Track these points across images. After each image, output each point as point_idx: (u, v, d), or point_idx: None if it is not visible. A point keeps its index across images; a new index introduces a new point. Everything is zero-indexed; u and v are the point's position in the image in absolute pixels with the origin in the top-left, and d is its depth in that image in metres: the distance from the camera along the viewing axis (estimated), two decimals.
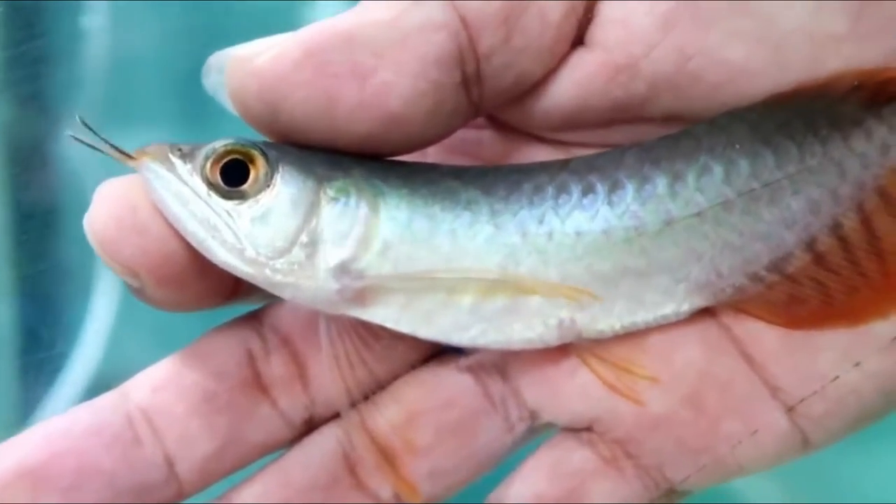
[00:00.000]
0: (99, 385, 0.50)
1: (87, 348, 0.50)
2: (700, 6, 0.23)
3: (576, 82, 0.23)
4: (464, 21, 0.23)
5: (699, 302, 0.24)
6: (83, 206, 0.23)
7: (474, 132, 0.25)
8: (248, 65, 0.22)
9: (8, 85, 0.52)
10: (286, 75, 0.22)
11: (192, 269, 0.23)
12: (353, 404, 0.24)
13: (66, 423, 0.23)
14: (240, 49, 0.23)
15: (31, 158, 0.53)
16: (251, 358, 0.25)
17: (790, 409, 0.23)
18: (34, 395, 0.50)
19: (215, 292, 0.24)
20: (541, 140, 0.25)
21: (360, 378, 0.24)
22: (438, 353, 0.25)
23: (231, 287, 0.24)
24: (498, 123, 0.25)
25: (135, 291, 0.23)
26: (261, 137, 0.24)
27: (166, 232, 0.23)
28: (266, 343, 0.25)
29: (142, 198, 0.23)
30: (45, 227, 0.53)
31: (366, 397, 0.24)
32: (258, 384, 0.24)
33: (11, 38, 0.51)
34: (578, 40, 0.23)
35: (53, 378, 0.50)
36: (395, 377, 0.25)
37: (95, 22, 0.52)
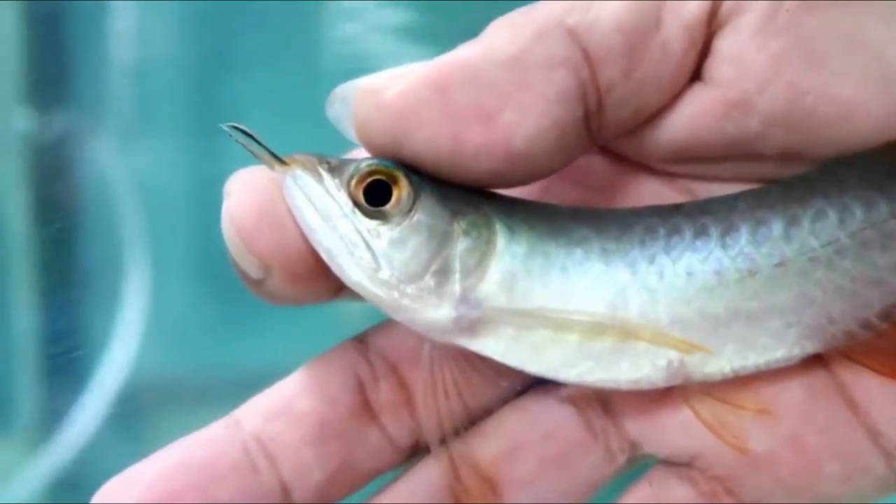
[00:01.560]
0: (127, 391, 0.49)
1: (115, 354, 0.50)
2: (811, 44, 0.23)
3: (690, 116, 0.24)
4: (586, 55, 0.23)
5: (810, 347, 0.24)
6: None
7: (583, 159, 0.26)
8: (375, 98, 0.23)
9: (31, 91, 0.52)
10: (412, 113, 0.23)
11: (317, 267, 0.24)
12: (455, 433, 0.25)
13: (179, 458, 0.23)
14: (367, 81, 0.24)
15: (56, 164, 0.52)
16: (360, 384, 0.25)
17: (889, 456, 0.24)
18: (61, 403, 0.49)
19: (328, 289, 0.25)
20: (649, 170, 0.26)
21: (459, 407, 0.25)
22: (537, 382, 0.26)
23: (338, 286, 0.25)
24: (608, 151, 0.26)
25: (251, 283, 0.24)
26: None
27: (299, 229, 0.23)
28: (374, 369, 0.25)
29: (278, 192, 0.23)
30: (70, 232, 0.52)
31: (465, 426, 0.25)
32: (367, 410, 0.25)
33: (34, 44, 0.51)
34: (696, 76, 0.24)
35: (81, 385, 0.49)
36: (493, 407, 0.25)
37: (119, 27, 0.51)
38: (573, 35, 0.23)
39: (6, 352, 0.50)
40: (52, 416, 0.49)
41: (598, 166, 0.26)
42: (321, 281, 0.24)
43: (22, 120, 0.50)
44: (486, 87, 0.23)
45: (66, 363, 0.50)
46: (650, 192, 0.26)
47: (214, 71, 0.52)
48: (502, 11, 0.25)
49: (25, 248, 0.49)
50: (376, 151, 0.24)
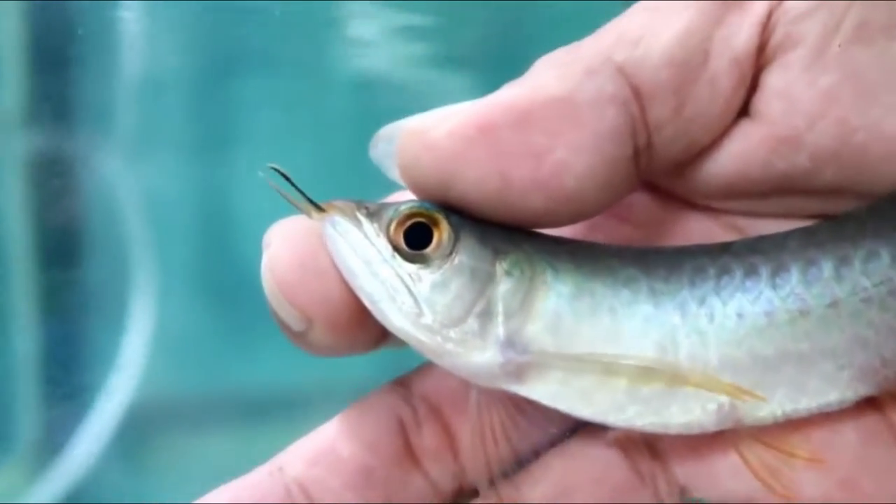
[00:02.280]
0: (131, 414, 0.48)
1: (119, 376, 0.49)
2: (862, 79, 0.23)
3: (738, 153, 0.24)
4: (636, 91, 0.23)
5: (863, 390, 0.24)
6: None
7: (630, 195, 0.26)
8: (422, 139, 0.23)
9: (35, 108, 0.51)
10: (460, 153, 0.23)
11: (359, 317, 0.24)
12: (503, 477, 0.25)
13: (227, 501, 0.23)
14: (413, 122, 0.24)
15: (60, 181, 0.51)
16: (403, 428, 0.25)
17: None
18: (64, 426, 0.48)
19: (371, 338, 0.25)
20: (697, 207, 0.26)
21: (507, 451, 0.25)
22: (584, 425, 0.25)
23: (381, 335, 0.25)
24: (654, 188, 0.26)
25: (293, 335, 0.24)
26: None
27: (343, 279, 0.23)
28: (416, 413, 0.25)
29: (319, 242, 0.24)
30: (73, 252, 0.52)
31: (513, 471, 0.25)
32: (410, 455, 0.25)
33: (39, 60, 0.50)
34: (743, 111, 0.24)
35: (84, 408, 0.49)
36: (541, 450, 0.25)
37: (125, 42, 0.50)
38: (622, 71, 0.23)
39: (8, 374, 0.49)
40: (55, 440, 0.48)
41: (644, 203, 0.26)
42: (364, 330, 0.24)
43: (26, 137, 0.49)
44: (535, 126, 0.23)
45: (69, 386, 0.49)
46: (697, 228, 0.26)
47: (221, 84, 0.52)
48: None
49: (29, 269, 0.49)
50: (422, 192, 0.24)
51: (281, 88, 0.51)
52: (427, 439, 0.25)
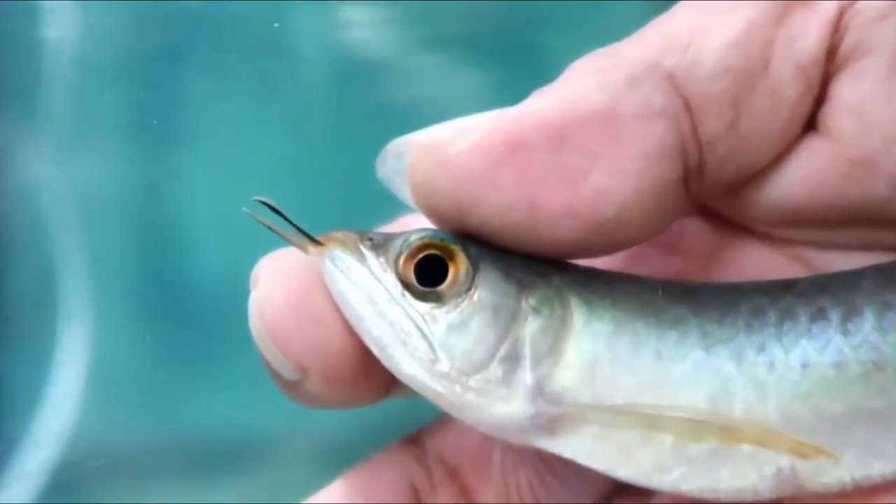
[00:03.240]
0: (63, 470, 0.49)
1: (47, 424, 0.50)
2: None
3: (804, 174, 0.26)
4: (686, 104, 0.25)
5: None
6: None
7: (679, 222, 0.27)
8: (439, 155, 0.24)
9: None
10: (483, 173, 0.24)
11: (362, 365, 0.25)
12: None
13: None
14: (427, 134, 0.25)
15: None
16: (415, 492, 0.27)
17: None
18: None
19: (375, 389, 0.26)
20: (756, 235, 0.27)
21: None
22: (625, 488, 0.27)
23: (388, 384, 0.26)
24: (706, 212, 0.27)
25: (285, 385, 0.25)
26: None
27: (342, 322, 0.25)
28: (431, 475, 0.27)
29: (316, 280, 0.25)
30: None
31: None
32: None
33: None
34: (810, 125, 0.26)
35: (4, 463, 0.49)
36: None
37: (53, 33, 0.51)
38: (671, 80, 0.25)
39: None
40: None
41: (695, 230, 0.28)
42: (367, 381, 0.25)
43: None
44: (571, 145, 0.24)
45: None
46: (756, 260, 0.27)
47: (170, 67, 0.52)
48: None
49: None
50: (437, 217, 0.25)
51: (243, 71, 0.52)
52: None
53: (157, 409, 0.53)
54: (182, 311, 0.50)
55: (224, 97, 0.52)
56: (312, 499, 0.26)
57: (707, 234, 0.27)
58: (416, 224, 0.26)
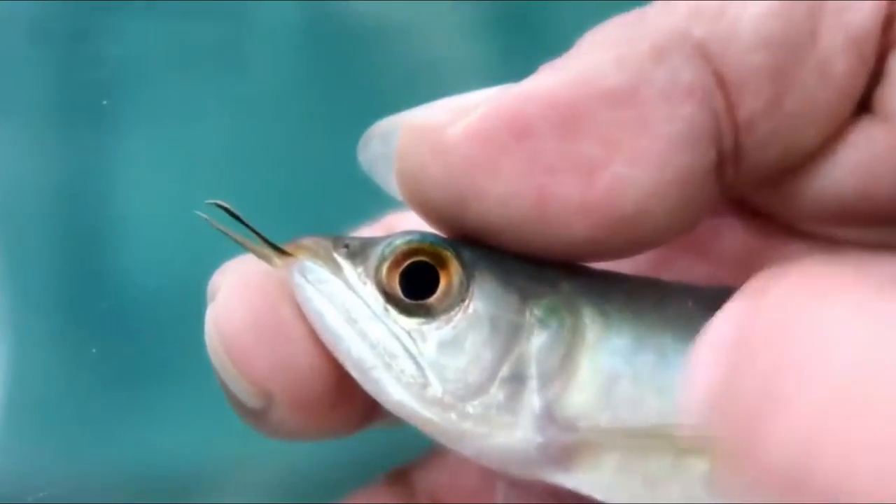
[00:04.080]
0: None
1: None
2: None
3: (858, 162, 0.26)
4: (720, 79, 0.25)
5: None
6: None
7: (709, 220, 0.28)
8: (433, 138, 0.25)
9: None
10: (484, 162, 0.24)
11: (337, 390, 0.26)
12: None
13: None
14: (419, 115, 0.25)
15: None
16: None
17: None
18: None
19: (352, 419, 0.27)
20: (801, 234, 0.28)
21: None
22: None
23: (368, 412, 0.27)
24: (741, 209, 0.28)
25: (247, 414, 0.26)
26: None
27: (313, 342, 0.25)
28: None
29: (282, 292, 0.25)
30: None
31: None
32: None
33: None
34: (863, 106, 0.26)
35: None
36: None
37: None
38: (702, 53, 0.25)
39: None
40: None
41: (728, 230, 0.28)
42: (342, 408, 0.26)
43: None
44: (586, 129, 0.24)
45: None
46: None
47: (99, 29, 0.53)
48: None
49: None
50: (429, 213, 0.26)
51: (189, 37, 0.53)
52: None
53: (90, 440, 0.54)
54: (120, 324, 0.51)
55: (175, 68, 0.52)
56: None
57: (743, 235, 0.28)
58: (403, 225, 0.27)
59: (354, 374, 0.25)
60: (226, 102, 0.50)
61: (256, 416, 0.26)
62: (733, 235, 0.28)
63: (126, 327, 0.49)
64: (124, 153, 0.53)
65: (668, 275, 0.28)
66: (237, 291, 0.25)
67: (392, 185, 0.25)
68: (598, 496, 0.26)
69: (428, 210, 0.25)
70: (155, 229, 0.49)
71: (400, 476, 0.28)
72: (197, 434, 0.50)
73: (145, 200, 0.50)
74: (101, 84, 0.53)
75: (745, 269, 0.28)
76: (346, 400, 0.26)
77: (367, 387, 0.25)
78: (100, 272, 0.52)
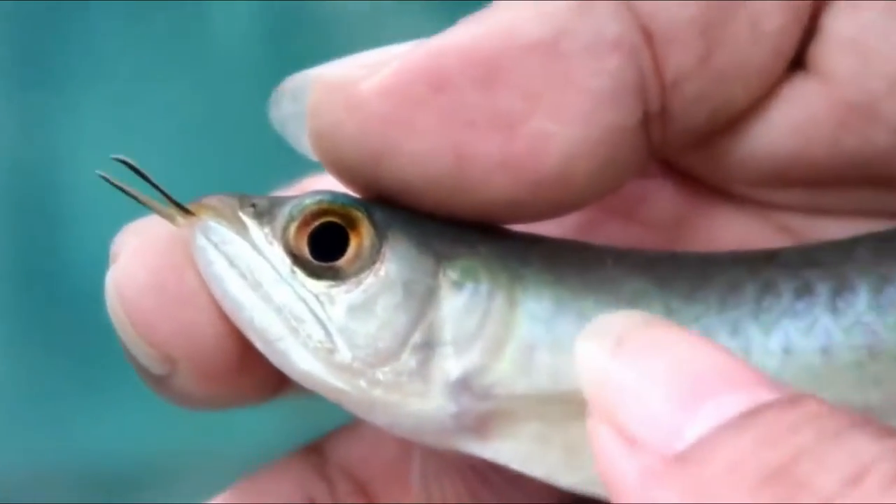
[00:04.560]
0: None
1: None
2: None
3: (792, 122, 0.26)
4: (647, 34, 0.25)
5: None
6: None
7: (636, 182, 0.27)
8: (346, 94, 0.24)
9: None
10: (399, 117, 0.24)
11: (243, 356, 0.25)
12: None
13: None
14: (332, 69, 0.25)
15: None
16: None
17: None
18: None
19: (262, 386, 0.26)
20: (733, 198, 0.27)
21: None
22: (572, 502, 0.27)
23: (279, 381, 0.26)
24: (673, 171, 0.28)
25: (152, 381, 0.25)
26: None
27: (218, 308, 0.25)
28: (335, 490, 0.27)
29: (186, 254, 0.25)
30: None
31: None
32: None
33: None
34: (798, 63, 0.26)
35: None
36: None
37: None
38: (629, 6, 0.25)
39: None
40: None
41: (659, 193, 0.28)
42: (250, 375, 0.25)
43: None
44: (506, 84, 0.24)
45: None
46: (733, 229, 0.28)
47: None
48: None
49: None
50: (344, 172, 0.25)
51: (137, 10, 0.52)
52: None
53: (43, 433, 0.53)
54: (73, 312, 0.50)
55: (118, 35, 0.52)
56: None
57: (674, 198, 0.28)
58: (322, 187, 0.26)
59: (258, 344, 0.24)
60: (174, 76, 0.50)
61: (161, 383, 0.25)
62: (663, 198, 0.28)
63: (87, 320, 0.49)
64: (78, 130, 0.52)
65: (595, 239, 0.27)
66: (139, 253, 0.25)
67: (305, 143, 0.25)
68: (515, 466, 0.25)
69: (342, 169, 0.25)
70: (111, 214, 0.49)
71: (315, 448, 0.27)
72: (149, 423, 0.49)
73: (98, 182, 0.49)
74: (57, 53, 0.52)
75: (675, 233, 0.28)
76: (254, 368, 0.25)
77: (273, 358, 0.24)
78: (54, 260, 0.51)
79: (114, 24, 0.52)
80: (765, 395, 0.19)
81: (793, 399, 0.19)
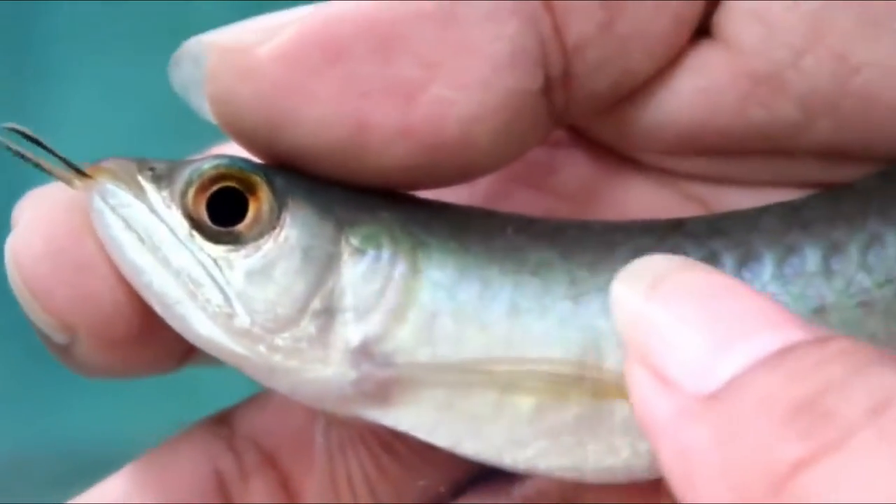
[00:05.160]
0: None
1: None
2: (863, 2, 0.25)
3: (697, 90, 0.26)
4: (546, 1, 0.24)
5: None
6: None
7: (546, 151, 0.27)
8: (242, 59, 0.24)
9: None
10: (296, 84, 0.24)
11: (145, 324, 0.25)
12: None
13: None
14: (229, 34, 0.24)
15: None
16: (220, 483, 0.27)
17: None
18: None
19: (167, 355, 0.26)
20: (641, 166, 0.27)
21: None
22: (481, 475, 0.27)
23: (184, 350, 0.26)
24: (582, 139, 0.28)
25: (57, 351, 0.25)
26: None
27: (117, 272, 0.24)
28: (242, 461, 0.27)
29: (85, 221, 0.25)
30: None
31: None
32: None
33: None
34: (703, 30, 0.26)
35: None
36: None
37: None
38: None
39: None
40: None
41: (568, 162, 0.28)
42: (152, 343, 0.25)
43: None
44: (403, 51, 0.24)
45: None
46: (642, 198, 0.28)
47: None
48: None
49: None
50: (243, 138, 0.25)
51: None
52: (256, 497, 0.26)
53: (11, 417, 0.54)
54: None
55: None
56: (96, 490, 0.26)
57: (584, 167, 0.28)
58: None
59: (157, 308, 0.24)
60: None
61: (63, 353, 0.25)
62: (573, 168, 0.28)
63: None
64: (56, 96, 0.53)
65: (506, 209, 0.27)
66: (38, 220, 0.24)
67: (206, 109, 0.25)
68: (419, 435, 0.25)
69: (240, 135, 0.25)
70: None
71: (222, 418, 0.27)
72: (122, 408, 0.50)
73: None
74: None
75: (586, 202, 0.28)
76: (156, 336, 0.25)
77: (172, 322, 0.24)
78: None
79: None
80: (797, 335, 0.19)
81: (823, 338, 0.19)
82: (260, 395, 0.27)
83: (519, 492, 0.27)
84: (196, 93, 0.25)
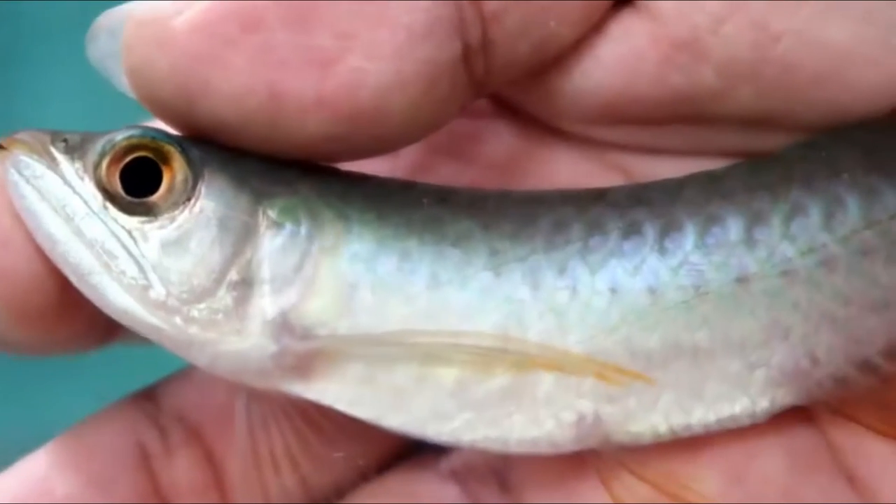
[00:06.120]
0: None
1: None
2: None
3: (617, 58, 0.26)
4: None
5: (784, 398, 0.26)
6: None
7: (470, 122, 0.27)
8: (159, 31, 0.24)
9: None
10: (211, 55, 0.24)
11: (62, 300, 0.25)
12: None
13: None
14: (145, 6, 0.24)
15: None
16: (145, 458, 0.27)
17: None
18: None
19: (89, 331, 0.26)
20: (565, 136, 0.27)
21: (295, 486, 0.26)
22: (411, 450, 0.27)
23: (107, 326, 0.26)
24: (507, 109, 0.27)
25: None
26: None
27: (34, 246, 0.24)
28: (166, 436, 0.27)
29: (3, 196, 0.24)
30: None
31: None
32: (156, 495, 0.26)
33: None
34: None
35: None
36: (346, 485, 0.27)
37: None
38: None
39: None
40: None
41: (492, 133, 0.28)
42: (73, 319, 0.25)
43: None
44: (318, 23, 0.24)
45: None
46: (566, 168, 0.28)
47: None
48: None
49: None
50: (159, 108, 0.25)
51: None
52: (181, 472, 0.26)
53: None
54: None
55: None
56: (21, 465, 0.26)
57: (508, 138, 0.28)
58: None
59: (73, 279, 0.24)
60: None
61: None
62: (497, 139, 0.28)
63: None
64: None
65: (430, 181, 0.27)
66: None
67: (123, 81, 0.24)
68: (341, 408, 0.25)
69: (157, 106, 0.24)
70: None
71: (148, 395, 0.27)
72: (84, 400, 0.50)
73: None
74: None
75: (510, 173, 0.28)
76: (75, 312, 0.25)
77: (88, 293, 0.24)
78: None
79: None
80: None
81: None
82: (186, 370, 0.27)
83: (446, 465, 0.27)
84: (113, 65, 0.25)
